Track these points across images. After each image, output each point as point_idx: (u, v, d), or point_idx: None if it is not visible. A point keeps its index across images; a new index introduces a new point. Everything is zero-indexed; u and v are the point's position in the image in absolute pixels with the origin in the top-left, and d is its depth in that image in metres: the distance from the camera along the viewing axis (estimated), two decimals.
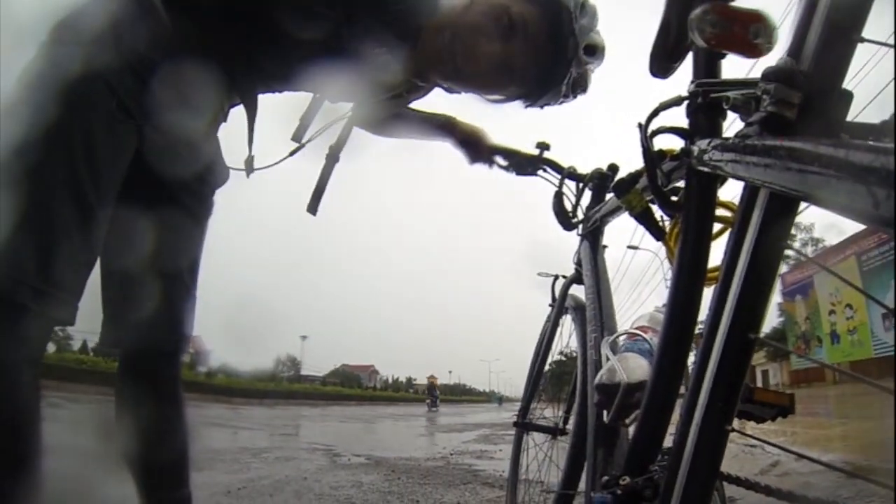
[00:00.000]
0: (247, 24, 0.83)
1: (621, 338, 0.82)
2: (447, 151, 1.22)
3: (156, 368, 0.95)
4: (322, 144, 0.99)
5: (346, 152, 1.00)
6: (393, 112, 1.11)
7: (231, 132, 0.98)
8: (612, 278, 1.03)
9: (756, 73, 0.44)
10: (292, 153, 0.98)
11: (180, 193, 0.91)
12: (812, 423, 4.26)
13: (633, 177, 0.71)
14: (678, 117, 0.58)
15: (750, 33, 0.46)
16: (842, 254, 13.66)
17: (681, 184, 0.60)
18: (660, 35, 0.57)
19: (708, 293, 0.53)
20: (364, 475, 3.12)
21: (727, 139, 0.47)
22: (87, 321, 0.75)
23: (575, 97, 0.95)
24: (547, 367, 1.34)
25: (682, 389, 0.54)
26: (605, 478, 0.64)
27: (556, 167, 1.21)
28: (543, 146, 1.23)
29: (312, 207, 0.98)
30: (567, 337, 1.21)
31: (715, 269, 0.54)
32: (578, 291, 1.14)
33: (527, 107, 0.98)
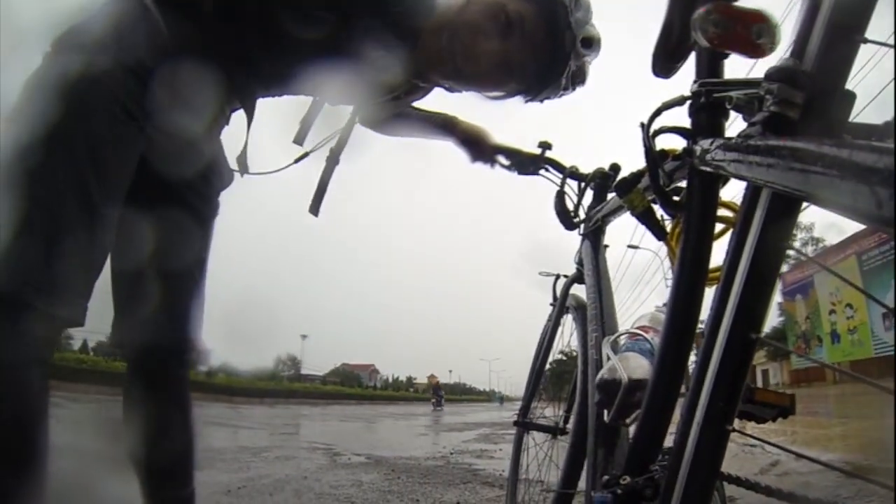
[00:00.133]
0: (247, 27, 0.84)
1: (622, 337, 0.82)
2: (447, 150, 1.22)
3: (165, 367, 0.95)
4: (322, 146, 1.00)
5: (347, 153, 1.00)
6: (394, 112, 1.11)
7: (234, 135, 0.99)
8: (613, 277, 1.03)
9: (759, 74, 0.44)
10: (297, 160, 0.99)
11: (187, 194, 0.92)
12: (812, 422, 4.26)
13: (635, 176, 0.71)
14: (680, 117, 0.58)
15: (753, 33, 0.46)
16: (842, 253, 13.65)
17: (683, 184, 0.60)
18: (662, 35, 0.57)
19: (709, 293, 0.53)
20: (364, 474, 3.12)
21: (730, 139, 0.47)
22: (88, 321, 0.75)
23: (574, 89, 0.96)
24: (547, 367, 1.35)
25: (683, 389, 0.54)
26: (606, 477, 0.64)
27: (557, 166, 1.21)
28: (545, 145, 1.23)
29: (314, 209, 0.99)
30: (568, 336, 1.21)
31: (716, 269, 0.54)
32: (580, 291, 1.14)
33: (527, 101, 0.99)
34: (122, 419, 0.95)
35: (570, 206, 1.15)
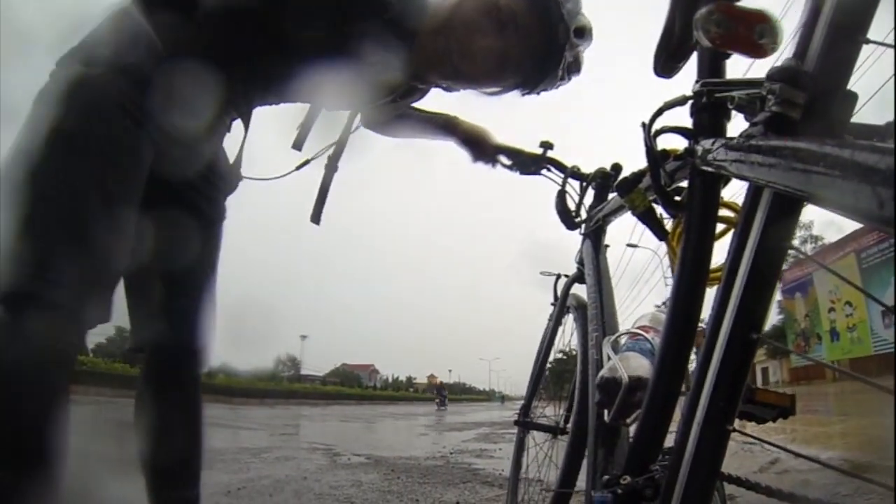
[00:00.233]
0: (247, 31, 0.84)
1: (623, 337, 0.82)
2: (447, 150, 1.22)
3: (181, 368, 0.97)
4: (321, 154, 1.01)
5: (345, 159, 1.01)
6: (394, 115, 1.12)
7: (237, 141, 0.99)
8: (612, 276, 1.03)
9: (760, 74, 0.44)
10: (298, 167, 1.00)
11: (193, 198, 0.94)
12: (812, 420, 4.25)
13: (637, 176, 0.71)
14: (682, 117, 0.58)
15: (755, 33, 0.46)
16: (841, 251, 13.63)
17: (684, 184, 0.60)
18: (664, 34, 0.57)
19: (710, 293, 0.53)
20: (364, 474, 3.12)
21: (731, 139, 0.46)
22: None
23: (570, 79, 0.96)
24: (548, 366, 1.35)
25: (684, 389, 0.54)
26: (606, 477, 0.64)
27: (559, 166, 1.21)
28: (547, 145, 1.23)
29: (315, 217, 1.00)
30: (568, 335, 1.21)
31: (717, 269, 0.54)
32: (580, 291, 1.14)
33: (524, 94, 0.99)
34: (131, 420, 0.96)
35: (572, 206, 1.15)
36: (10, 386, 0.64)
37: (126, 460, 0.94)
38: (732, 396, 0.47)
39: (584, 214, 1.12)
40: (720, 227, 0.58)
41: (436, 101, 1.12)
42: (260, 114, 0.98)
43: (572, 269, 1.21)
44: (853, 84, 0.41)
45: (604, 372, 0.75)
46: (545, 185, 1.21)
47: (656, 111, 0.59)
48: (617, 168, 1.07)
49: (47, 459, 0.65)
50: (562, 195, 1.16)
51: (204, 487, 1.00)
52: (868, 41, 0.39)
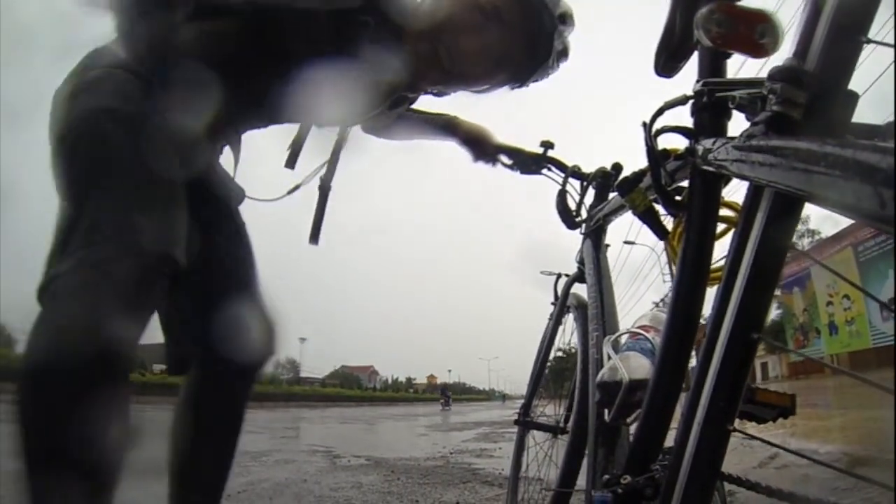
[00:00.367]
0: (234, 53, 0.83)
1: (623, 337, 0.82)
2: (445, 150, 1.22)
3: (235, 380, 0.94)
4: (312, 178, 0.99)
5: (339, 177, 1.00)
6: (388, 122, 1.10)
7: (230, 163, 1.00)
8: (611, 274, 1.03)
9: (761, 73, 0.44)
10: (290, 192, 0.99)
11: (230, 209, 0.95)
12: (811, 414, 4.24)
13: (637, 176, 0.71)
14: (683, 117, 0.58)
15: (756, 33, 0.46)
16: (838, 245, 13.59)
17: (685, 183, 0.60)
18: (665, 34, 0.57)
19: (711, 293, 0.53)
20: (364, 476, 3.11)
21: (732, 138, 0.46)
22: None
23: (558, 67, 0.96)
24: (548, 365, 1.35)
25: (684, 388, 0.54)
26: (606, 476, 0.64)
27: (559, 166, 1.21)
28: (547, 145, 1.23)
29: (314, 238, 0.99)
30: (569, 335, 1.21)
31: (718, 269, 0.54)
32: (581, 290, 1.14)
33: (514, 88, 0.99)
34: (144, 424, 0.92)
35: (572, 206, 1.15)
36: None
37: (139, 466, 0.91)
38: (733, 396, 0.47)
39: (584, 214, 1.12)
40: (721, 226, 0.58)
41: (435, 101, 1.12)
42: (251, 133, 0.98)
43: (572, 269, 1.21)
44: (854, 84, 0.41)
45: (604, 371, 0.75)
46: (544, 185, 1.21)
47: (657, 111, 0.59)
48: (617, 167, 1.07)
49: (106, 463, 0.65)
50: (562, 195, 1.15)
51: None
52: (869, 41, 0.39)
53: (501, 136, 1.24)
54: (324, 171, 0.99)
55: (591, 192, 1.13)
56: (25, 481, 0.61)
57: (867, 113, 0.43)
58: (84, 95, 0.76)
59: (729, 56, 0.54)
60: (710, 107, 0.54)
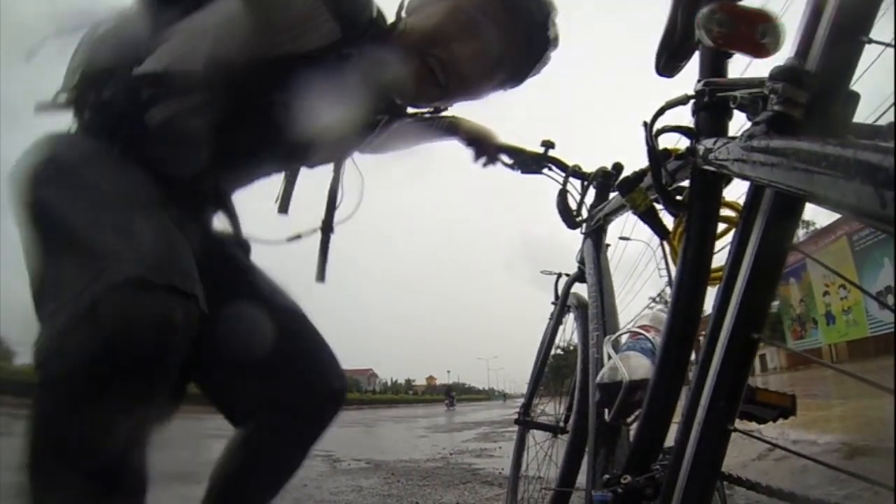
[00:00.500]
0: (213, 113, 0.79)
1: (623, 336, 0.82)
2: (442, 150, 1.21)
3: (305, 426, 0.87)
4: (312, 212, 0.96)
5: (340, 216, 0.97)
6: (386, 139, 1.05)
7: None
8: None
9: (762, 73, 0.44)
10: (290, 240, 0.95)
11: (246, 265, 0.92)
12: (811, 405, 4.22)
13: (638, 175, 0.70)
14: (683, 116, 0.58)
15: (757, 33, 0.46)
16: (833, 235, 13.49)
17: (685, 183, 0.60)
18: (666, 34, 0.57)
19: (711, 293, 0.53)
20: (364, 479, 3.11)
21: (733, 138, 0.46)
22: None
23: (551, 57, 0.92)
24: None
25: (685, 388, 0.54)
26: (606, 476, 0.64)
27: (560, 165, 1.20)
28: (548, 144, 1.22)
29: (320, 276, 0.96)
30: (569, 334, 1.21)
31: (718, 269, 0.54)
32: (581, 290, 1.14)
33: (511, 87, 0.95)
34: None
35: (573, 205, 1.15)
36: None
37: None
38: (733, 396, 0.47)
39: (585, 213, 1.12)
40: (721, 226, 0.58)
41: None
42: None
43: (569, 268, 1.21)
44: (855, 84, 0.41)
45: (604, 371, 0.75)
46: (544, 184, 1.21)
47: (658, 110, 0.59)
48: (618, 167, 1.07)
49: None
50: (563, 194, 1.15)
51: None
52: (870, 41, 0.39)
53: (502, 135, 1.24)
54: (323, 213, 0.95)
55: (591, 192, 1.13)
56: None
57: (867, 113, 0.43)
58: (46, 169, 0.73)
59: (730, 56, 0.54)
60: (711, 106, 0.53)
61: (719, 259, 0.55)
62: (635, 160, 0.74)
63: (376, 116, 0.91)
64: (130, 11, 0.81)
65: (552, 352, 1.32)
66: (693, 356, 0.56)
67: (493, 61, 0.86)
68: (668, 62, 0.59)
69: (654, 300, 0.87)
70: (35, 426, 0.61)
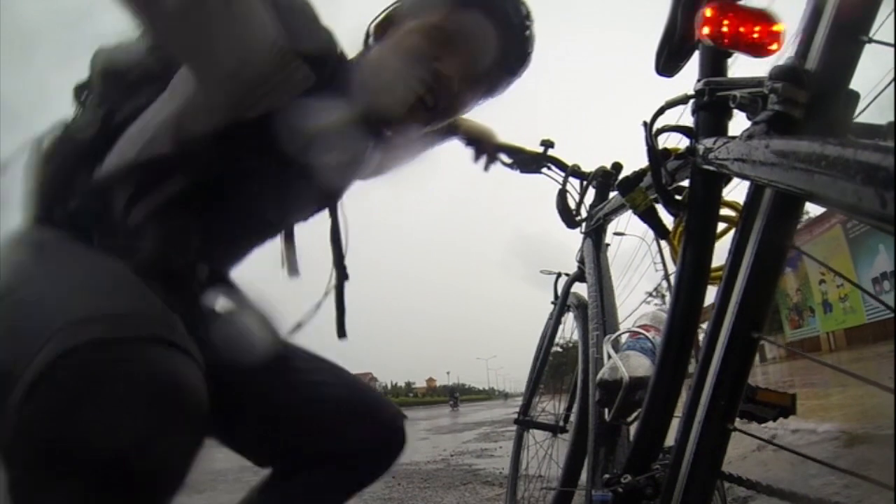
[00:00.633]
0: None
1: (623, 336, 0.82)
2: (441, 150, 1.21)
3: (361, 478, 0.85)
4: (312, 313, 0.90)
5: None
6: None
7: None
8: None
9: (762, 73, 0.44)
10: (314, 311, 0.90)
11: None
12: (810, 393, 4.20)
13: (638, 175, 0.70)
14: (684, 116, 0.58)
15: (757, 32, 0.46)
16: (827, 223, 13.44)
17: (685, 183, 0.60)
18: (666, 33, 0.57)
19: (711, 292, 0.53)
20: None
21: (733, 138, 0.46)
22: None
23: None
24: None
25: (685, 388, 0.55)
26: (607, 476, 0.64)
27: (560, 165, 1.20)
28: (548, 144, 1.22)
29: (340, 332, 0.92)
30: (569, 333, 1.22)
31: (718, 269, 0.54)
32: (581, 289, 1.14)
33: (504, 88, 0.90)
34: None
35: (572, 205, 1.15)
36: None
37: None
38: (733, 395, 0.47)
39: (584, 213, 1.12)
40: (721, 226, 0.58)
41: None
42: None
43: (572, 268, 1.21)
44: (855, 83, 0.41)
45: (604, 371, 0.75)
46: (543, 183, 1.21)
47: (658, 110, 0.59)
48: (618, 167, 1.07)
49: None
50: (562, 194, 1.15)
51: None
52: (870, 40, 0.39)
53: (501, 135, 1.24)
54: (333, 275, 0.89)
55: (591, 192, 1.13)
56: None
57: (867, 112, 0.43)
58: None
59: (730, 55, 0.54)
60: (711, 106, 0.54)
61: (719, 258, 0.55)
62: (635, 160, 0.74)
63: (370, 151, 0.87)
64: (76, 114, 0.77)
65: (551, 351, 1.32)
66: (693, 355, 0.56)
67: (482, 68, 0.82)
68: (668, 62, 0.59)
69: (650, 294, 0.87)
70: None
